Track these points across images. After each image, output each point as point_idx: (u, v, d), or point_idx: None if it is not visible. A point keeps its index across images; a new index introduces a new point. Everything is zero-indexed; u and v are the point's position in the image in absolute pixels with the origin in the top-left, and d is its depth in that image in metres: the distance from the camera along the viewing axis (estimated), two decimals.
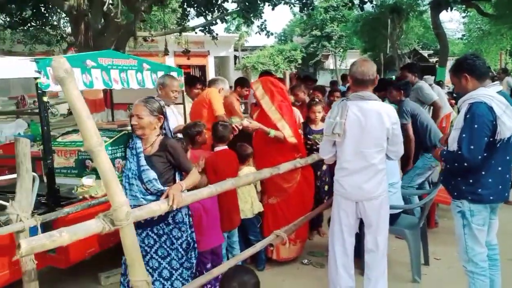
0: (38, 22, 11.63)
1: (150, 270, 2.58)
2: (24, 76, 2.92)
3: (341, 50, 27.03)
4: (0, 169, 4.81)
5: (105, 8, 5.22)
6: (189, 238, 2.74)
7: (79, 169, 3.75)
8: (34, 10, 10.96)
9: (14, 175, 2.70)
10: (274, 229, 3.49)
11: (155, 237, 2.63)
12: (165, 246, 2.65)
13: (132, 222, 1.89)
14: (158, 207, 2.23)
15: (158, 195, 2.59)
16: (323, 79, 21.70)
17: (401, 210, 3.66)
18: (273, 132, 3.69)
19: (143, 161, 2.59)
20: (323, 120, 4.44)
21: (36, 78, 2.89)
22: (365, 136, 2.84)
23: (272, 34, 14.66)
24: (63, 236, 1.69)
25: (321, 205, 4.08)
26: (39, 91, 2.92)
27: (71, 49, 13.44)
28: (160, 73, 4.08)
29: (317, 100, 4.71)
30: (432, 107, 5.39)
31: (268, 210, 3.86)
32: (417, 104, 4.74)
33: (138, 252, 1.87)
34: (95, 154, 1.77)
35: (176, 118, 4.02)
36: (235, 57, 27.05)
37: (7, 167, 4.78)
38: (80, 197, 2.69)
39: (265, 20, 13.36)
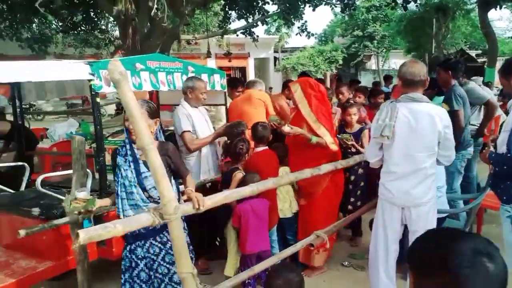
0: (88, 26, 12.22)
1: (160, 276, 2.53)
2: (79, 78, 3.11)
3: (384, 51, 26.48)
4: (54, 166, 5.15)
5: (152, 13, 5.43)
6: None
7: None
8: (84, 15, 11.54)
9: (69, 171, 2.88)
10: (301, 232, 3.53)
11: (159, 245, 2.53)
12: (172, 252, 2.48)
13: (180, 216, 1.98)
14: (204, 202, 2.30)
15: (159, 202, 2.40)
16: (365, 80, 21.32)
17: (446, 215, 3.57)
18: (315, 139, 3.53)
19: (143, 167, 2.46)
20: (359, 122, 4.39)
21: (90, 80, 3.07)
22: (416, 139, 2.77)
23: (312, 35, 14.62)
24: (117, 228, 1.80)
25: (360, 209, 4.03)
26: (92, 92, 3.10)
27: (118, 52, 14.03)
28: (204, 76, 4.20)
29: (352, 102, 4.66)
30: (485, 107, 5.02)
31: (299, 211, 3.82)
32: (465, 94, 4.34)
33: (185, 245, 1.96)
34: (147, 151, 1.87)
35: (205, 118, 4.05)
36: (275, 58, 27.13)
37: (60, 164, 5.10)
38: (75, 212, 2.45)
39: (305, 21, 13.35)
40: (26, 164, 3.98)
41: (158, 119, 2.57)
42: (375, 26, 25.50)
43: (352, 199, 4.23)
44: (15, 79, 2.89)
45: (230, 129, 3.85)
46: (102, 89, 3.14)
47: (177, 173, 2.62)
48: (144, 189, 2.46)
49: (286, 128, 3.47)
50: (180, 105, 3.83)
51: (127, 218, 1.94)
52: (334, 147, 3.64)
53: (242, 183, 3.25)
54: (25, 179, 3.93)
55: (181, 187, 2.73)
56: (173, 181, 2.53)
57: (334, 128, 3.96)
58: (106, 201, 2.59)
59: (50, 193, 3.18)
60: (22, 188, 3.87)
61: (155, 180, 1.91)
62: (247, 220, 3.23)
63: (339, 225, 3.66)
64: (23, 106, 4.33)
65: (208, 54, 11.07)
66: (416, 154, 2.80)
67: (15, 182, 4.08)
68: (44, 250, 3.19)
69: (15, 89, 4.12)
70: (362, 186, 4.24)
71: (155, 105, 2.57)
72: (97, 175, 3.47)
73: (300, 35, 13.97)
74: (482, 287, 0.93)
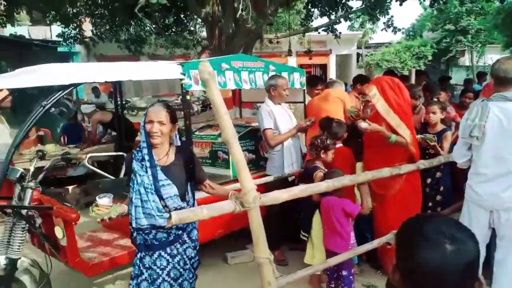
0: (178, 28, 13.05)
1: None
2: (171, 78, 3.43)
3: (479, 46, 24.52)
4: None
5: (237, 15, 5.72)
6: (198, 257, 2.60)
7: (213, 159, 4.25)
8: (175, 18, 12.35)
9: None
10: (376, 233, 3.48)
11: (168, 257, 2.42)
12: (178, 267, 2.45)
13: (259, 205, 2.14)
14: (281, 195, 2.44)
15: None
16: (456, 77, 19.99)
17: None
18: (394, 137, 3.42)
19: (161, 175, 2.35)
20: (443, 122, 4.17)
21: (181, 79, 3.38)
22: (508, 140, 2.67)
23: (399, 30, 14.05)
24: (203, 212, 2.02)
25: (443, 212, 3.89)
26: (183, 91, 3.41)
27: (205, 52, 14.78)
28: (284, 74, 4.36)
29: (435, 99, 4.43)
30: None
31: (373, 213, 3.71)
32: None
33: (263, 231, 2.11)
34: (230, 144, 2.07)
35: (288, 114, 4.22)
36: (358, 54, 26.48)
37: None
38: (98, 220, 2.42)
39: (391, 16, 12.89)
40: (125, 154, 4.46)
41: (177, 124, 2.49)
42: (469, 20, 23.71)
43: (430, 204, 4.00)
44: (118, 78, 3.27)
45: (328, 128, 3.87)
46: (192, 87, 3.43)
47: (196, 178, 2.52)
48: (161, 198, 2.35)
49: (363, 124, 3.38)
50: (264, 103, 4.06)
51: (211, 205, 2.14)
52: (412, 148, 3.51)
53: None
54: (123, 167, 4.41)
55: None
56: (189, 189, 2.47)
57: (414, 128, 3.77)
58: (124, 208, 2.50)
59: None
60: (121, 175, 4.35)
61: (237, 171, 2.10)
62: (323, 216, 3.30)
63: None
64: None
65: (289, 53, 11.23)
66: (507, 156, 2.68)
67: (115, 169, 4.61)
68: None
69: (116, 87, 4.64)
70: (442, 191, 4.01)
71: (175, 111, 2.50)
72: None
73: (386, 31, 13.52)
74: (434, 265, 0.95)
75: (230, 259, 4.10)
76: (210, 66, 2.00)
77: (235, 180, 3.65)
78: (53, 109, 6.22)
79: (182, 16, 12.36)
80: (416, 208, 3.70)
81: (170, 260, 2.42)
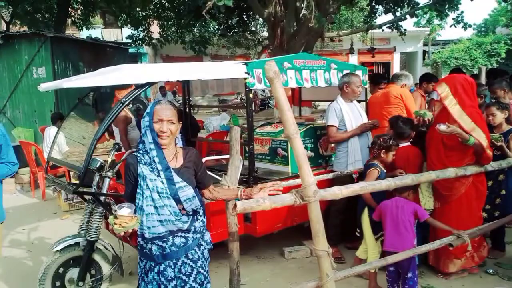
0: (240, 29, 13.36)
1: None
2: (237, 77, 3.59)
3: None
4: (209, 153, 5.94)
5: (301, 15, 5.80)
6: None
7: (272, 156, 4.36)
8: (238, 19, 12.66)
9: (226, 156, 3.37)
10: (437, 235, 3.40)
11: (191, 263, 2.32)
12: (202, 271, 2.36)
13: (318, 200, 2.22)
14: (340, 191, 2.49)
15: (191, 215, 2.29)
16: None
17: None
18: (472, 140, 3.28)
19: (176, 177, 2.20)
20: (508, 122, 3.93)
21: (245, 79, 3.52)
22: None
23: (470, 26, 13.29)
24: (265, 203, 2.14)
25: (503, 219, 3.71)
26: (247, 89, 3.56)
27: (265, 51, 14.98)
28: (346, 72, 4.36)
29: (494, 99, 4.18)
30: None
31: (434, 215, 3.59)
32: None
33: (322, 224, 2.19)
34: (292, 139, 2.16)
35: (359, 112, 4.25)
36: (424, 52, 25.39)
37: (214, 151, 5.87)
38: (120, 234, 2.13)
39: (462, 12, 12.24)
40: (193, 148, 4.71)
41: (181, 122, 2.37)
42: None
43: (488, 207, 3.84)
44: (189, 77, 3.49)
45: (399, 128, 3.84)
46: (255, 86, 3.57)
47: (201, 181, 2.38)
48: (178, 201, 2.20)
49: (442, 127, 3.25)
50: (335, 101, 4.17)
51: (273, 196, 2.25)
52: (489, 152, 3.38)
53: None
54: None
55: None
56: (196, 190, 2.31)
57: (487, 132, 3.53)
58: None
59: (209, 173, 3.75)
60: None
61: (298, 166, 2.19)
62: (385, 216, 3.25)
63: (483, 229, 3.47)
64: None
65: (351, 51, 11.08)
66: None
67: None
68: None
69: (185, 86, 4.90)
70: (503, 194, 3.85)
71: (179, 109, 2.37)
72: (246, 162, 3.94)
73: (455, 27, 12.87)
74: None
75: (287, 254, 4.19)
76: (275, 66, 2.11)
77: (294, 177, 3.76)
78: (131, 105, 6.67)
79: (244, 16, 12.64)
80: (477, 209, 3.61)
81: (194, 265, 2.32)
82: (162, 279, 2.27)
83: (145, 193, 2.18)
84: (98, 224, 3.32)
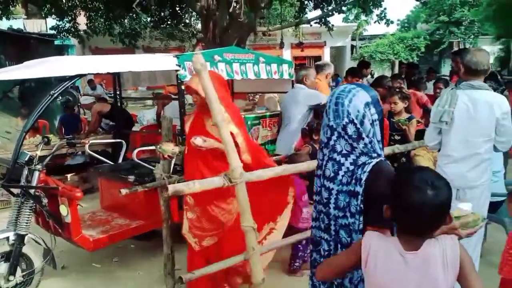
0: (173, 21, 13.23)
1: None
2: (168, 69, 3.69)
3: (472, 37, 24.80)
4: (143, 146, 5.96)
5: (231, 9, 5.96)
6: None
7: None
8: (171, 10, 12.52)
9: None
10: None
11: None
12: None
13: (244, 181, 2.41)
14: (266, 173, 2.71)
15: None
16: (449, 68, 20.29)
17: (503, 199, 3.64)
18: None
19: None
20: (407, 110, 4.28)
21: (176, 71, 3.64)
22: (473, 126, 2.93)
23: (392, 22, 14.27)
24: (195, 186, 2.30)
25: None
26: (178, 81, 3.67)
27: (199, 44, 14.97)
28: (274, 65, 4.63)
29: (397, 90, 4.48)
30: None
31: None
32: None
33: (248, 203, 2.39)
34: (219, 127, 2.34)
35: None
36: (352, 46, 26.69)
37: (148, 144, 5.89)
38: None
39: (384, 9, 13.11)
40: (123, 141, 4.73)
41: None
42: (463, 11, 23.97)
43: None
44: (120, 69, 3.53)
45: None
46: (186, 78, 3.70)
47: None
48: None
49: (198, 141, 2.75)
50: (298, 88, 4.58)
51: (204, 180, 2.41)
52: (246, 157, 2.83)
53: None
54: (122, 153, 4.68)
55: None
56: None
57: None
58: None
59: (143, 163, 3.84)
60: (120, 160, 4.62)
61: (226, 151, 2.37)
62: None
63: None
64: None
65: (282, 45, 11.45)
66: (473, 139, 2.95)
67: (113, 156, 4.89)
68: (136, 211, 3.88)
69: (116, 78, 4.89)
70: None
71: None
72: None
73: (379, 23, 13.75)
74: (418, 204, 1.36)
75: None
76: (202, 58, 2.27)
77: None
78: (60, 98, 6.48)
79: (177, 9, 12.54)
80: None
81: None
82: None
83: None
84: (29, 217, 3.28)
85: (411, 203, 1.37)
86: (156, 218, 3.62)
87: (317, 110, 4.40)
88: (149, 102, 14.96)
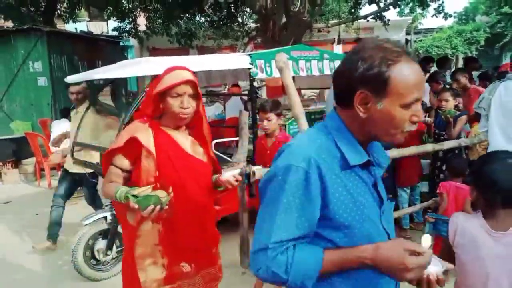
0: (228, 21, 13.65)
1: None
2: (242, 67, 3.99)
3: None
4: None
5: (292, 8, 6.19)
6: None
7: None
8: (226, 10, 12.93)
9: (236, 138, 3.78)
10: None
11: None
12: None
13: None
14: None
15: None
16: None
17: None
18: None
19: None
20: (457, 109, 4.25)
21: (249, 69, 3.93)
22: (503, 111, 3.12)
23: (450, 16, 13.85)
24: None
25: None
26: (250, 78, 3.96)
27: (251, 42, 15.28)
28: (337, 62, 4.80)
29: (447, 86, 4.49)
30: None
31: None
32: None
33: None
34: (298, 118, 2.59)
35: None
36: (406, 40, 25.98)
37: (215, 138, 6.28)
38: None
39: (442, 2, 12.77)
40: None
41: None
42: None
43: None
44: (202, 68, 3.83)
45: None
46: (258, 76, 3.99)
47: None
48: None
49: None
50: None
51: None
52: None
53: None
54: None
55: None
56: None
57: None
58: None
59: (220, 154, 4.16)
60: None
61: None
62: None
63: None
64: None
65: (339, 41, 11.50)
66: (509, 128, 3.13)
67: None
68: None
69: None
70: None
71: None
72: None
73: (436, 17, 13.42)
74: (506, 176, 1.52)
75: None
76: (285, 56, 2.53)
77: None
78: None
79: (232, 9, 12.93)
80: None
81: None
82: None
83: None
84: None
85: (505, 180, 1.52)
86: (231, 204, 3.95)
87: None
88: (204, 99, 15.52)
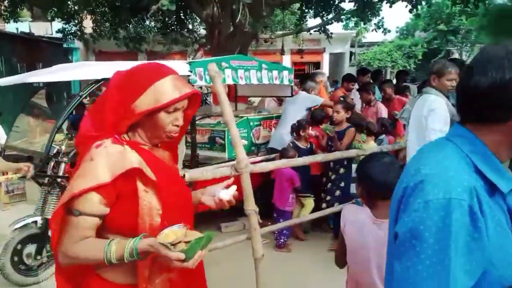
0: (178, 27, 13.66)
1: None
2: (181, 74, 4.10)
3: (468, 46, 25.33)
4: None
5: (237, 20, 6.39)
6: None
7: (211, 144, 4.95)
8: (176, 17, 12.94)
9: None
10: None
11: None
12: None
13: (249, 171, 2.83)
14: (267, 165, 3.13)
15: None
16: None
17: None
18: None
19: None
20: (349, 121, 4.50)
21: (188, 76, 4.06)
22: (416, 119, 3.49)
23: (389, 31, 14.69)
24: (207, 174, 2.72)
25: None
26: (192, 85, 4.09)
27: (200, 49, 15.39)
28: (275, 72, 5.07)
29: (341, 99, 4.81)
30: None
31: None
32: None
33: (251, 190, 2.79)
34: (229, 124, 2.75)
35: None
36: (351, 53, 27.15)
37: None
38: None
39: (382, 18, 13.55)
40: None
41: None
42: (461, 20, 24.49)
43: (328, 198, 4.38)
44: None
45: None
46: (197, 83, 4.12)
47: None
48: None
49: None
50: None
51: (214, 168, 2.83)
52: None
53: None
54: None
55: None
56: None
57: None
58: None
59: None
60: None
61: (234, 144, 2.78)
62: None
63: None
64: None
65: (282, 52, 11.87)
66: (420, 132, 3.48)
67: None
68: None
69: None
70: (342, 186, 4.31)
71: None
72: (188, 151, 4.47)
73: (376, 31, 14.21)
74: (381, 177, 1.77)
75: (224, 228, 4.82)
76: (215, 66, 2.70)
77: (229, 160, 4.38)
78: (88, 98, 6.92)
79: (181, 15, 12.97)
80: None
81: None
82: None
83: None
84: (55, 203, 3.68)
85: (378, 174, 1.79)
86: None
87: (316, 115, 4.83)
88: None
